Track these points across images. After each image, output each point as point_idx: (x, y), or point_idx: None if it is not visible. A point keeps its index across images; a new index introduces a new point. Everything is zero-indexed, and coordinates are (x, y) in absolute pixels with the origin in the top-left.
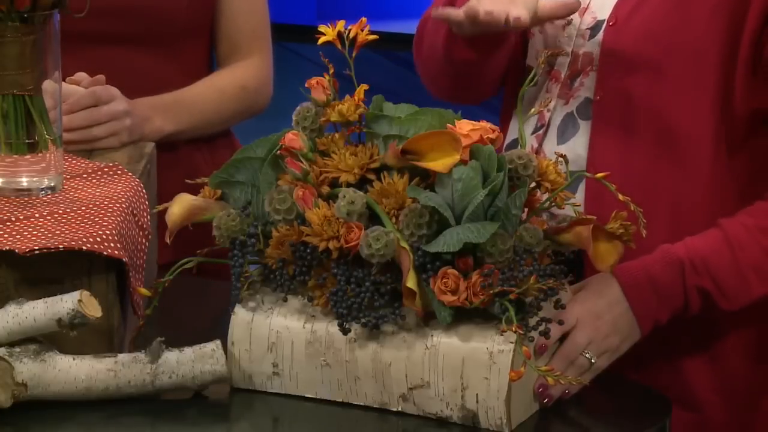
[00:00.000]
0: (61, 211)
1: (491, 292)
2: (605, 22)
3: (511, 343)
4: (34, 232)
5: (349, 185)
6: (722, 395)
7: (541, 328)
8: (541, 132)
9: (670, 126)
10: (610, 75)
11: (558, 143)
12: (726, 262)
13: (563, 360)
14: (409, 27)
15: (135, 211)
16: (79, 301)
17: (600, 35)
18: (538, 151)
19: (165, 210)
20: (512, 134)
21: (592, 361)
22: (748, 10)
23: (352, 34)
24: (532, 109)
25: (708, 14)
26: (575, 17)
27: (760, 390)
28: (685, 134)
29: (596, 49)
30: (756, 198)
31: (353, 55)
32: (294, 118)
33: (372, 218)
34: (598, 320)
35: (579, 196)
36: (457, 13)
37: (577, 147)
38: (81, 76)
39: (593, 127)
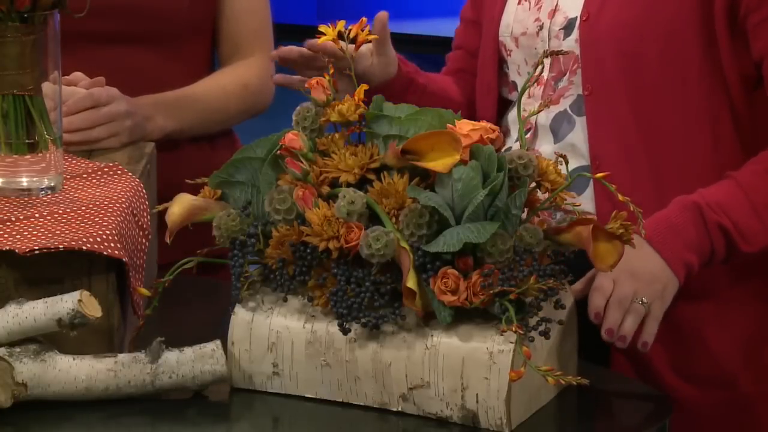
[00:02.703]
0: (61, 211)
1: (491, 292)
2: (578, 19)
3: (511, 343)
4: (34, 232)
5: (349, 185)
6: (752, 369)
7: (541, 328)
8: (529, 135)
9: (664, 108)
10: (594, 68)
11: (555, 142)
12: (740, 204)
13: (618, 309)
14: (409, 27)
15: (135, 211)
16: (79, 301)
17: (575, 32)
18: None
19: (165, 210)
20: None
21: (645, 301)
22: None
23: (352, 34)
24: (532, 109)
25: None
26: (545, 20)
27: None
28: (680, 114)
29: (575, 46)
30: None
31: (353, 55)
32: (294, 118)
33: (372, 218)
34: (635, 275)
35: (588, 193)
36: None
37: (576, 142)
38: (77, 76)
39: (588, 121)
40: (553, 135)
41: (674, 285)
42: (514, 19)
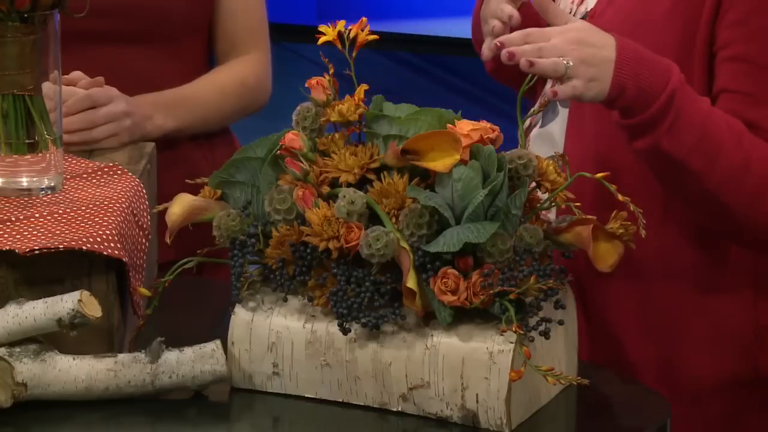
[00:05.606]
0: (61, 211)
1: (491, 292)
2: (587, 15)
3: (511, 343)
4: (34, 232)
5: (349, 185)
6: (726, 385)
7: (541, 328)
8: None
9: None
10: None
11: (540, 127)
12: (698, 112)
13: (536, 49)
14: (409, 27)
15: (135, 211)
16: (79, 301)
17: None
18: (527, 132)
19: (165, 210)
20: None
21: (567, 64)
22: (702, 10)
23: (352, 34)
24: (533, 108)
25: (663, 15)
26: (574, 6)
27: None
28: None
29: None
30: None
31: (353, 55)
32: (294, 118)
33: (372, 218)
34: (579, 44)
35: None
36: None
37: (554, 132)
38: (77, 75)
39: (570, 113)
40: (542, 119)
41: (602, 88)
42: None
